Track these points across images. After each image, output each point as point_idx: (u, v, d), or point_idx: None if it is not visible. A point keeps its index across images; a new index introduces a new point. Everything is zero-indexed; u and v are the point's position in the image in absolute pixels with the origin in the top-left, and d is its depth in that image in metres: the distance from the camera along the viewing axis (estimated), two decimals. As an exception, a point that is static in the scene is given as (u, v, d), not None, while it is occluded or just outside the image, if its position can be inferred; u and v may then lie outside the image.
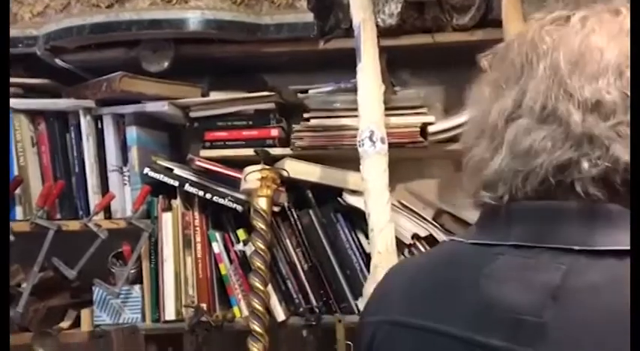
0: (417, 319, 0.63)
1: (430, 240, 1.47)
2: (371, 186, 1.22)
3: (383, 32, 1.46)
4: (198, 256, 1.53)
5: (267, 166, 1.44)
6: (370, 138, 1.25)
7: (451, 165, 1.73)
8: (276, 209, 1.49)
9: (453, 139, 1.55)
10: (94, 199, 1.56)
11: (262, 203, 1.40)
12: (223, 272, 1.53)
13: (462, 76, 1.91)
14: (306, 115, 1.55)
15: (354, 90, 1.52)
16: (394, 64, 1.59)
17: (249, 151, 1.56)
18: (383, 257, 1.18)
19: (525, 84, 0.61)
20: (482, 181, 0.63)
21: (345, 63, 1.60)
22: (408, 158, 1.66)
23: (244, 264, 1.52)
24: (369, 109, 1.28)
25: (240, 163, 1.57)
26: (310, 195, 1.53)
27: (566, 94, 0.58)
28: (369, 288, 1.19)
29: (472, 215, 1.66)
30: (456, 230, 1.48)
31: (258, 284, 1.34)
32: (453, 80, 1.74)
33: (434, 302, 0.63)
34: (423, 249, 1.46)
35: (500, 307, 0.56)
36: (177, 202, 1.54)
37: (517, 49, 0.64)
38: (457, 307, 0.60)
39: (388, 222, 1.20)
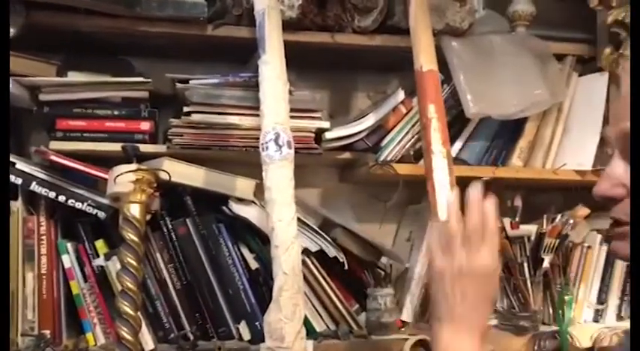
0: None
1: (320, 255, 1.35)
2: (276, 197, 1.07)
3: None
4: (43, 271, 1.25)
5: (143, 167, 1.20)
6: (276, 141, 1.09)
7: (336, 174, 1.64)
8: (147, 217, 1.25)
9: (346, 147, 1.46)
10: None
11: (135, 210, 1.16)
12: (75, 291, 1.26)
13: (349, 80, 1.84)
14: (186, 109, 1.34)
15: (243, 85, 1.36)
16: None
17: (113, 146, 1.31)
18: (289, 279, 1.03)
19: None
20: None
21: (235, 54, 1.44)
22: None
23: (103, 282, 1.26)
24: (275, 108, 1.12)
25: (100, 160, 1.31)
26: (189, 202, 1.32)
27: None
28: (271, 313, 1.03)
29: (361, 227, 1.58)
30: (347, 245, 1.38)
31: (127, 308, 1.11)
32: (340, 84, 1.66)
33: None
34: (312, 266, 1.34)
35: None
36: (17, 205, 1.23)
37: None
38: None
39: (294, 238, 1.06)
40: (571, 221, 1.44)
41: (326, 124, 1.41)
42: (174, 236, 1.31)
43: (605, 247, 1.53)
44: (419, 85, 1.23)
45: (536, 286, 1.45)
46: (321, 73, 1.62)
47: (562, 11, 1.61)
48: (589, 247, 1.53)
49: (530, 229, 1.45)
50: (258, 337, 1.28)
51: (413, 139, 1.46)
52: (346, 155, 1.47)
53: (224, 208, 1.32)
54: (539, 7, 1.58)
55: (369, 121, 1.43)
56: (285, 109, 1.13)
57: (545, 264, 1.43)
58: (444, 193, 1.11)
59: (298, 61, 1.56)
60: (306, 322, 1.34)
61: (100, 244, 1.27)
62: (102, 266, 1.26)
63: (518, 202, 1.52)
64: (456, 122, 1.50)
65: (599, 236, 1.53)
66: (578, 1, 1.52)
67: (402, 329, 1.42)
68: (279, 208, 1.06)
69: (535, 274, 1.45)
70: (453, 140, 1.50)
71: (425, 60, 1.24)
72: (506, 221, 1.46)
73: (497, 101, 1.43)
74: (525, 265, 1.46)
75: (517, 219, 1.49)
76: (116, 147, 1.31)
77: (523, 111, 1.45)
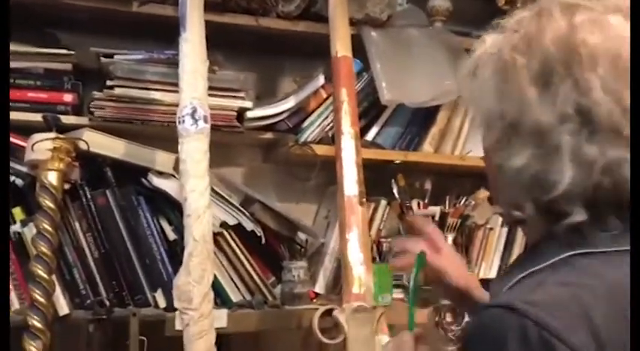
0: None
1: (238, 229, 1.41)
2: (190, 168, 1.12)
3: (205, 5, 1.36)
4: (-43, 237, 1.25)
5: (61, 136, 1.23)
6: (192, 115, 1.15)
7: (260, 154, 1.70)
8: (66, 187, 1.28)
9: (268, 128, 1.53)
10: None
11: (52, 178, 1.19)
12: (-10, 258, 1.27)
13: (277, 65, 1.90)
14: (109, 83, 1.37)
15: (167, 62, 1.41)
16: (209, 43, 1.50)
17: (35, 117, 1.33)
18: (199, 245, 1.09)
19: (558, 87, 0.58)
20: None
21: (161, 32, 1.47)
22: (217, 143, 1.56)
23: (20, 248, 1.28)
24: (193, 84, 1.17)
25: (21, 130, 1.32)
26: (109, 173, 1.36)
27: (614, 98, 0.57)
28: (181, 277, 1.09)
29: (282, 206, 1.65)
30: (266, 220, 1.45)
31: (41, 272, 1.14)
32: (267, 67, 1.71)
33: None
34: (230, 239, 1.40)
35: None
36: None
37: (554, 48, 0.60)
38: None
39: (206, 208, 1.12)
40: (472, 203, 1.56)
41: (248, 104, 1.46)
42: (93, 206, 1.34)
43: (505, 229, 1.66)
44: (334, 70, 1.31)
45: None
46: (249, 56, 1.67)
47: (477, 8, 1.71)
48: (491, 228, 1.66)
49: (435, 209, 1.56)
50: (173, 305, 1.33)
51: (332, 122, 1.53)
52: (268, 135, 1.53)
53: (144, 180, 1.36)
54: (456, 4, 1.69)
55: (290, 103, 1.50)
56: (203, 85, 1.18)
57: (449, 242, 1.54)
58: (351, 170, 1.19)
59: (227, 42, 1.62)
60: (223, 293, 1.41)
61: (17, 211, 1.29)
62: (19, 233, 1.28)
63: (427, 185, 1.63)
64: (373, 108, 1.59)
65: (501, 219, 1.66)
66: (491, 0, 1.64)
67: (314, 300, 1.50)
68: (193, 179, 1.12)
69: (440, 252, 1.56)
70: (370, 125, 1.59)
71: (340, 47, 1.32)
72: (415, 202, 1.57)
73: (411, 90, 1.53)
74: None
75: (426, 201, 1.60)
76: (38, 117, 1.33)
77: (433, 100, 1.55)
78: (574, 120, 0.58)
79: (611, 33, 0.60)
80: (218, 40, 1.57)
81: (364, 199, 1.20)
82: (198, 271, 1.07)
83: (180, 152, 1.14)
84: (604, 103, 0.57)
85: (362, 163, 1.47)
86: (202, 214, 1.10)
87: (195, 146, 1.14)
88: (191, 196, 1.11)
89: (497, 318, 0.55)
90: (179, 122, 1.15)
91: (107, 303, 1.32)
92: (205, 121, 1.15)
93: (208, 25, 1.39)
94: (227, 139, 1.55)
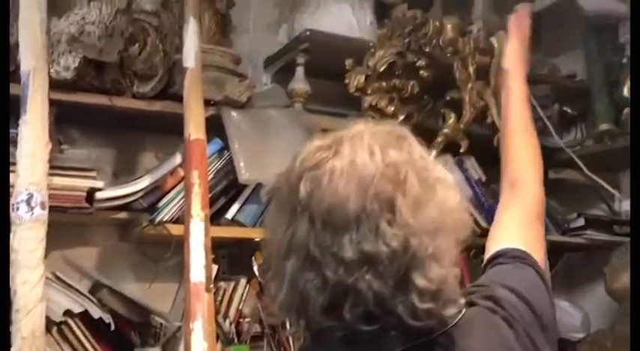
0: None
1: (85, 317, 1.34)
2: (22, 258, 1.06)
3: (55, 84, 1.33)
4: None
5: None
6: (28, 202, 1.10)
7: (115, 233, 1.64)
8: None
9: (122, 207, 1.48)
10: None
11: None
12: None
13: (135, 142, 1.88)
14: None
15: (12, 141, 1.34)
16: (63, 120, 1.46)
17: None
18: (27, 342, 1.01)
19: (295, 227, 0.68)
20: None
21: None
22: (68, 223, 1.50)
23: None
24: (30, 168, 1.13)
25: None
26: None
27: (320, 247, 0.65)
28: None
29: (132, 288, 1.60)
30: (114, 305, 1.38)
31: None
32: (126, 145, 1.68)
33: None
34: (75, 328, 1.32)
35: None
36: None
37: (285, 191, 0.70)
38: None
39: (38, 301, 1.05)
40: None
41: (99, 184, 1.42)
42: None
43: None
44: (186, 152, 1.32)
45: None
46: (106, 133, 1.64)
47: (333, 92, 1.81)
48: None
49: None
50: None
51: (189, 203, 1.52)
52: (122, 215, 1.49)
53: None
54: (314, 87, 1.77)
55: (145, 182, 1.48)
56: (41, 169, 1.14)
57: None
58: (198, 255, 1.18)
59: (82, 119, 1.59)
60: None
61: None
62: None
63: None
64: (234, 187, 1.60)
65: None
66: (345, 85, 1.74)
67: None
68: (25, 270, 1.06)
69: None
70: (230, 203, 1.60)
71: (193, 129, 1.33)
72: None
73: (268, 169, 1.56)
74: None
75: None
76: None
77: (291, 179, 1.59)
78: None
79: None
80: (73, 117, 1.54)
81: (211, 285, 1.19)
82: (26, 372, 1.00)
83: (12, 241, 1.08)
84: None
85: (222, 242, 1.47)
86: (34, 308, 1.04)
87: (29, 235, 1.08)
88: (21, 289, 1.04)
89: None
90: (13, 209, 1.09)
91: None
92: (43, 207, 1.11)
93: (60, 103, 1.37)
94: (80, 220, 1.49)
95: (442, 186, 0.70)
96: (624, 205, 1.94)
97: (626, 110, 1.77)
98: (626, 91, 1.78)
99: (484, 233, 0.90)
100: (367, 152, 0.69)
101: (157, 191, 1.50)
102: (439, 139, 1.72)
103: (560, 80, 2.00)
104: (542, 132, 1.66)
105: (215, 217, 1.51)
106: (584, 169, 1.87)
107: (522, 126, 0.97)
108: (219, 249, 1.57)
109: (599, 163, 1.90)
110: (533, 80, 1.78)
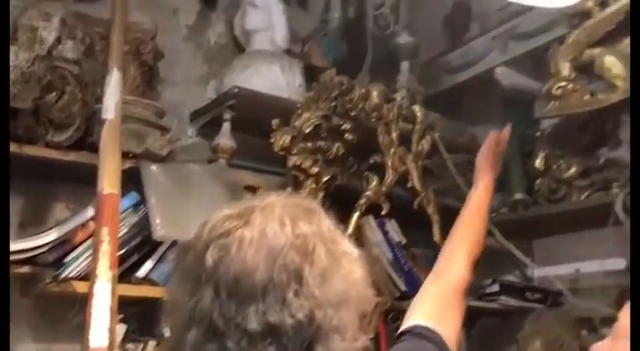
0: None
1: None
2: None
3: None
4: None
5: None
6: None
7: (17, 288, 1.53)
8: None
9: (26, 261, 1.39)
10: None
11: None
12: None
13: (48, 191, 1.79)
14: None
15: None
16: (-33, 165, 1.38)
17: None
18: None
19: (199, 297, 0.67)
20: None
21: None
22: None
23: None
24: None
25: None
26: None
27: (224, 318, 0.64)
28: None
29: (30, 350, 1.48)
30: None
31: None
32: (37, 193, 1.60)
33: None
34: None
35: None
36: None
37: (191, 259, 0.69)
38: None
39: None
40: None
41: (0, 237, 1.33)
42: None
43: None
44: (98, 206, 1.26)
45: None
46: (14, 181, 1.55)
47: (259, 148, 1.80)
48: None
49: None
50: None
51: (100, 258, 1.45)
52: (24, 269, 1.40)
53: None
54: (239, 143, 1.76)
55: (52, 235, 1.40)
56: None
57: None
58: (102, 317, 1.11)
59: (-12, 165, 1.50)
60: None
61: None
62: None
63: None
64: (149, 243, 1.54)
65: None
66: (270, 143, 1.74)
67: None
68: None
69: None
70: (143, 260, 1.53)
71: (107, 183, 1.28)
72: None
73: (186, 226, 1.51)
74: None
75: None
76: None
77: (209, 237, 1.55)
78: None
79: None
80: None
81: (115, 350, 1.12)
82: None
83: None
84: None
85: (133, 300, 1.39)
86: None
87: None
88: None
89: None
90: None
91: None
92: None
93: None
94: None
95: (348, 259, 0.70)
96: (537, 272, 2.00)
97: (539, 181, 1.85)
98: (538, 162, 1.87)
99: (403, 296, 0.93)
100: (278, 223, 0.69)
101: (65, 245, 1.42)
102: (362, 200, 1.74)
103: (478, 149, 2.08)
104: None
105: (126, 275, 1.45)
106: (499, 236, 1.93)
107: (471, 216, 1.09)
108: (129, 307, 1.50)
109: (514, 231, 1.97)
110: (452, 148, 1.89)
